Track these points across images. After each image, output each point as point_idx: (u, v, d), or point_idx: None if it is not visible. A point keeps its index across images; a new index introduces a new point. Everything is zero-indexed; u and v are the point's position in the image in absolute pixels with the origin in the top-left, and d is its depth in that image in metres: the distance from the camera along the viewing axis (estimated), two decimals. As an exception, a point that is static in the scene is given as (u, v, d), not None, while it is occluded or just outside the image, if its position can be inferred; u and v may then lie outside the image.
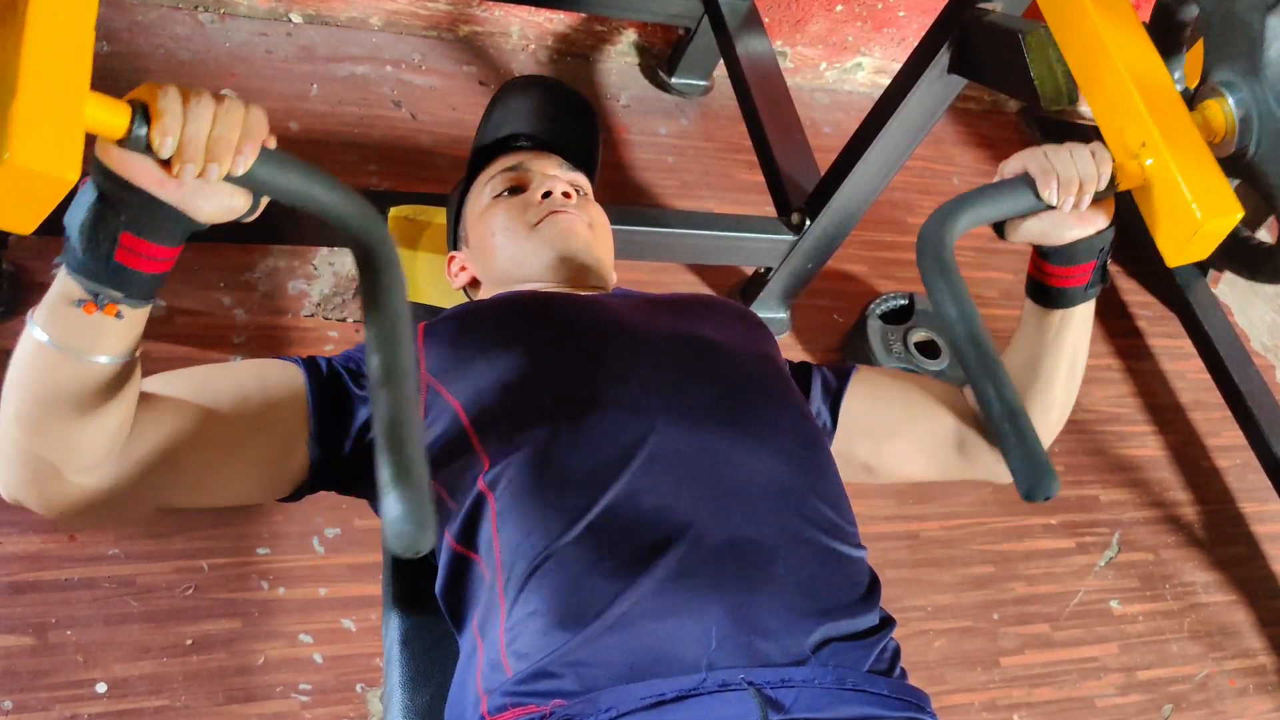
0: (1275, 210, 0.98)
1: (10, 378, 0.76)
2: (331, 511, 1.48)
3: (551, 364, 0.94)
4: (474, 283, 1.20)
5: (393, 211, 1.40)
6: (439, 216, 1.40)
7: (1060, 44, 1.04)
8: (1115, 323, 2.37)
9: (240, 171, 0.71)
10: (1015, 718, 1.69)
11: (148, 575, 1.36)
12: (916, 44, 1.53)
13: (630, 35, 2.26)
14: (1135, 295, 2.46)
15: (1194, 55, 1.03)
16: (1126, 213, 0.98)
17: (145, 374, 0.82)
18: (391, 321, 0.74)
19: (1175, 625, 1.91)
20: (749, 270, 1.97)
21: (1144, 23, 1.02)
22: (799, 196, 1.78)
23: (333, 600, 1.43)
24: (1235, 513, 2.13)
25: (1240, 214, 0.92)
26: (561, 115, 1.30)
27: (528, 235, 1.12)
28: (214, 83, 1.86)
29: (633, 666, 0.79)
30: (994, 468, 1.08)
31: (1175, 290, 2.25)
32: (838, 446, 1.09)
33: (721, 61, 2.07)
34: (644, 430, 0.89)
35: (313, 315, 1.67)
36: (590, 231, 1.14)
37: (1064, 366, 1.04)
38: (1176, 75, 1.04)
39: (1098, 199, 0.93)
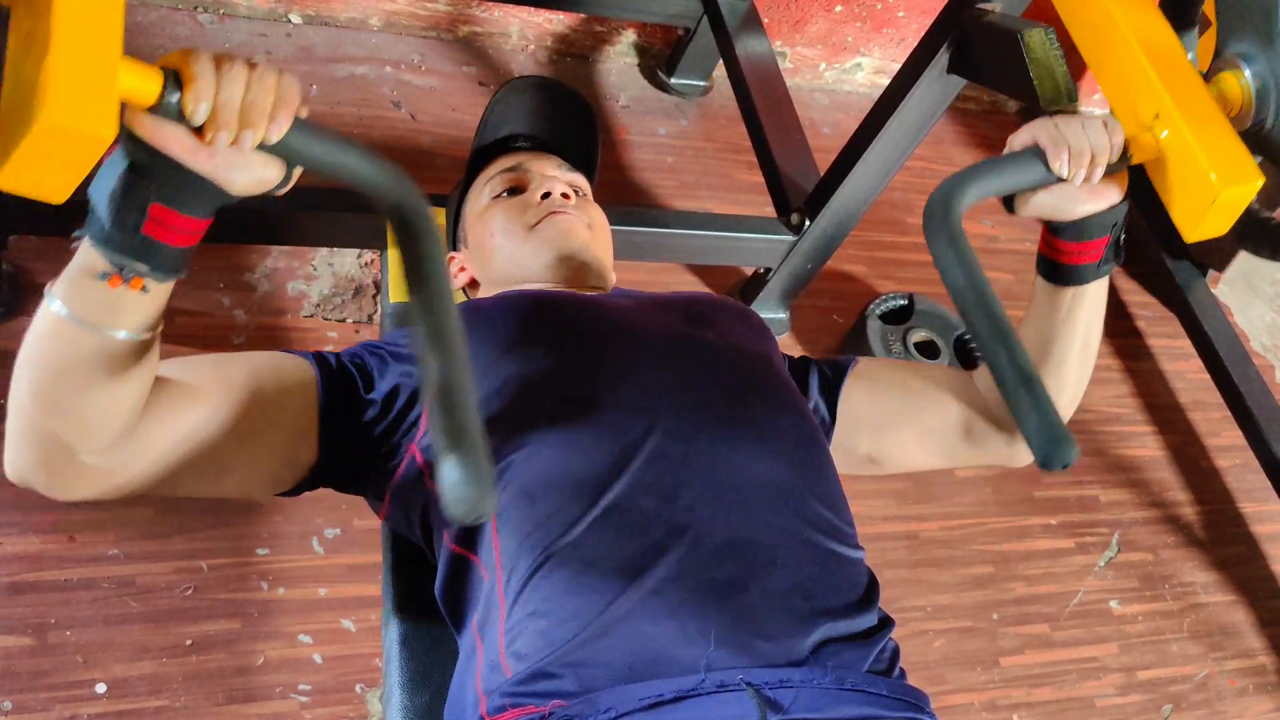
0: (1297, 185, 0.96)
1: (25, 353, 0.74)
2: (331, 512, 1.48)
3: (551, 364, 0.94)
4: (473, 283, 1.20)
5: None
6: (438, 217, 1.40)
7: (1067, 19, 0.99)
8: (1115, 323, 2.37)
9: (275, 139, 0.69)
10: (1015, 718, 1.69)
11: (147, 576, 1.36)
12: (916, 44, 1.53)
13: (629, 35, 2.26)
14: (1135, 295, 2.46)
15: (1205, 48, 1.01)
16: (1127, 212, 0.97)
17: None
18: (435, 287, 0.72)
19: (1175, 625, 1.91)
20: (749, 270, 1.97)
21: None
22: (798, 197, 1.78)
23: (332, 600, 1.43)
24: (1235, 513, 2.13)
25: (1260, 180, 0.87)
26: (561, 116, 1.30)
27: (527, 236, 1.12)
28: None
29: (632, 667, 0.79)
30: (1004, 451, 1.07)
31: (1175, 290, 2.25)
32: (839, 440, 1.09)
33: (721, 62, 2.07)
34: (644, 431, 0.89)
35: (312, 316, 1.67)
36: (589, 232, 1.14)
37: (1076, 346, 1.01)
38: (1190, 55, 1.01)
39: (1110, 172, 0.90)
